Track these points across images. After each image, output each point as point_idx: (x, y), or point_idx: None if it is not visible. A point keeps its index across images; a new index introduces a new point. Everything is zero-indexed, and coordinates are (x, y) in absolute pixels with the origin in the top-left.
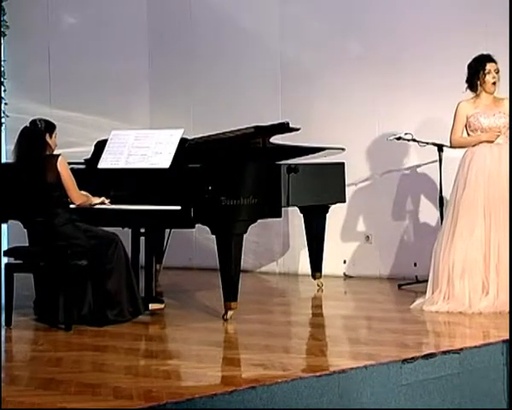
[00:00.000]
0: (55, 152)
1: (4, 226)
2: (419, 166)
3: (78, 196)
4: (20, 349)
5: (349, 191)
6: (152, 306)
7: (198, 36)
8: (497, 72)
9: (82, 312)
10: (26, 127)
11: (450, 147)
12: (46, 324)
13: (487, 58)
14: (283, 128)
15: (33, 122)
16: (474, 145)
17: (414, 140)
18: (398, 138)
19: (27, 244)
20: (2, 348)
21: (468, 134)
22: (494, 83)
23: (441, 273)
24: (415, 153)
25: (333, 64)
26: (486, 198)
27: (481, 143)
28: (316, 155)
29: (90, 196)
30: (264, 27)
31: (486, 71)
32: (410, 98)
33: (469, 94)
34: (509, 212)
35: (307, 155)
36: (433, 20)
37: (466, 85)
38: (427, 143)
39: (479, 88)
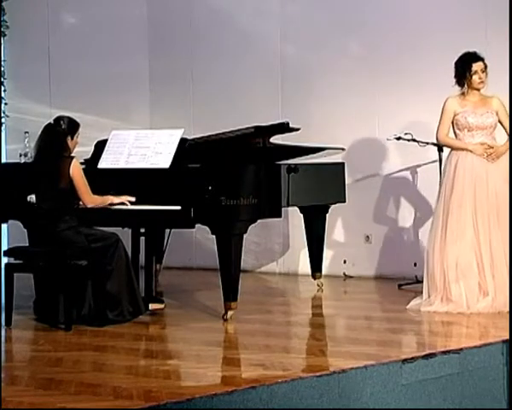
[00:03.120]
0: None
1: (4, 226)
2: (419, 166)
3: (91, 200)
4: (20, 349)
5: (349, 191)
6: (152, 306)
7: (198, 36)
8: (485, 69)
9: (82, 312)
10: (49, 124)
11: (436, 141)
12: (46, 324)
13: (473, 58)
14: (283, 128)
15: (57, 120)
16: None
17: (414, 140)
18: (398, 138)
19: (27, 244)
20: (3, 348)
21: (455, 132)
22: (481, 82)
23: (436, 277)
24: (414, 153)
25: (333, 64)
26: (474, 198)
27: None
28: (316, 155)
29: (110, 196)
30: (264, 27)
31: (472, 72)
32: (410, 98)
33: (458, 88)
34: (510, 212)
35: (307, 155)
36: (433, 19)
37: (455, 80)
38: (427, 143)
39: (465, 87)
